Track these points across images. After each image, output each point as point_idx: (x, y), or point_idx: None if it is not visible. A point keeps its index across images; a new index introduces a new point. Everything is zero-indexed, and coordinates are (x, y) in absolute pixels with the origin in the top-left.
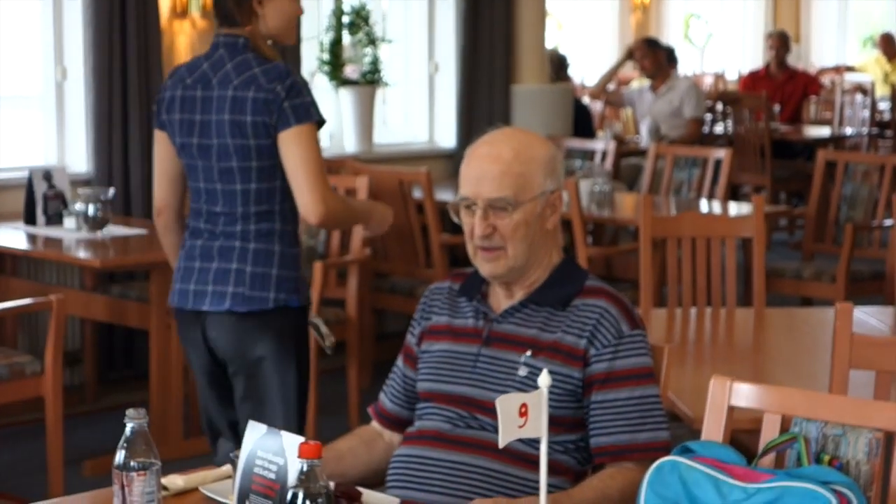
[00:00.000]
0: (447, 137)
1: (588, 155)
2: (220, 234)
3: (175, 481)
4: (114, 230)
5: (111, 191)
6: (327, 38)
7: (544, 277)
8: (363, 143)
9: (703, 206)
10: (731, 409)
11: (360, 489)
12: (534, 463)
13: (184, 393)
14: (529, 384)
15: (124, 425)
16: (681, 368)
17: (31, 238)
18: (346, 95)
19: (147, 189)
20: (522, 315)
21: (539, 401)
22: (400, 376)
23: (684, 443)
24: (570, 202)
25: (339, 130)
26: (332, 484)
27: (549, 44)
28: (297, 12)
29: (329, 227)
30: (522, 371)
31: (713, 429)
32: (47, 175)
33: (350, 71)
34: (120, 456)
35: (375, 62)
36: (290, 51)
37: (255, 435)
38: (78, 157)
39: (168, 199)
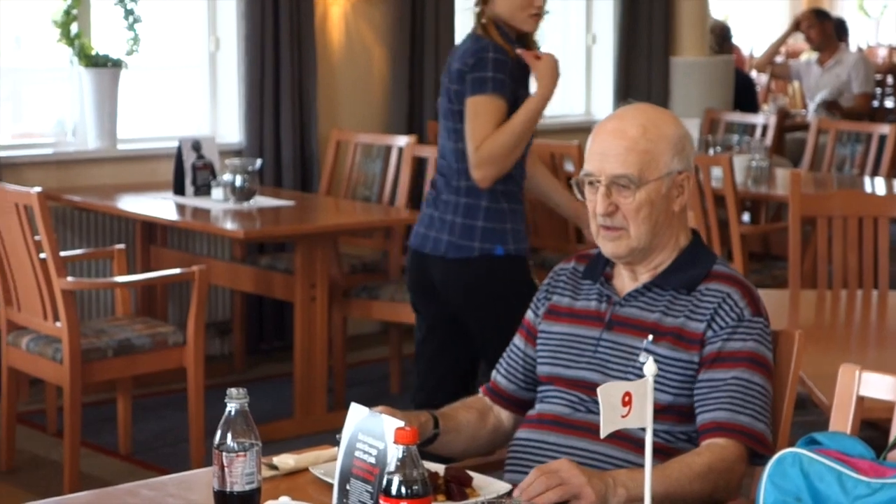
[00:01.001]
0: (604, 110)
1: (749, 129)
2: (444, 188)
3: (286, 461)
4: (261, 201)
5: (258, 162)
6: None
7: (670, 260)
8: None
9: (867, 183)
10: (861, 399)
11: (471, 473)
12: (655, 451)
13: (328, 365)
14: None
15: (267, 396)
16: (823, 353)
17: (180, 208)
18: None
19: (299, 160)
20: (646, 299)
21: (644, 390)
22: (518, 354)
23: (810, 434)
24: (724, 178)
25: None
26: (441, 468)
27: (715, 13)
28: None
29: (496, 176)
30: (643, 357)
31: (840, 419)
32: (196, 145)
33: None
34: (220, 436)
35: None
36: (444, 21)
37: (357, 417)
38: (230, 128)
39: None
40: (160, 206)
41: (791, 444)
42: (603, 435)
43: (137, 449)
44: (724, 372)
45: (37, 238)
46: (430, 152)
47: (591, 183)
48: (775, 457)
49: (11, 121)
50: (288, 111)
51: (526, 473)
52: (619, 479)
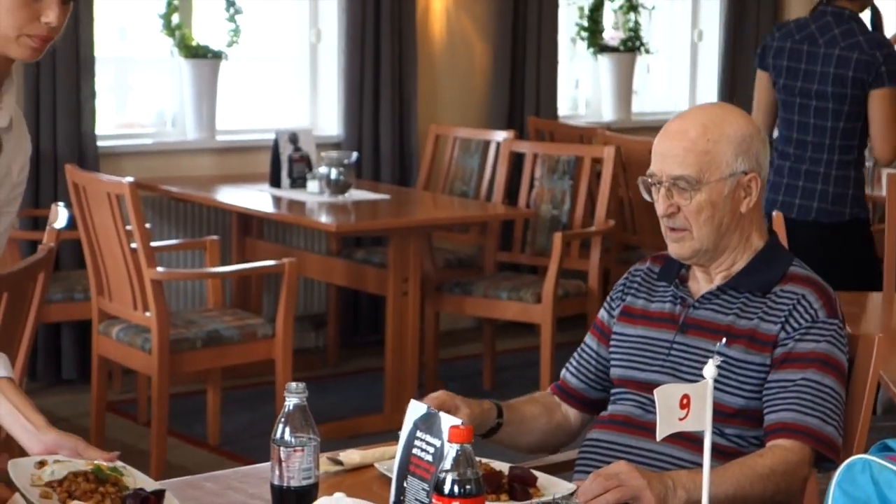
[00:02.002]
0: None
1: None
2: (808, 159)
3: (351, 456)
4: (356, 195)
5: (354, 155)
6: (587, 4)
7: (745, 262)
8: (621, 112)
9: None
10: None
11: (537, 473)
12: (725, 454)
13: (420, 361)
14: (722, 373)
15: (359, 390)
16: None
17: (276, 200)
18: (604, 62)
19: (397, 154)
20: (720, 301)
21: (704, 392)
22: (590, 353)
23: (884, 440)
24: None
25: (596, 98)
26: (506, 466)
27: None
28: None
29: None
30: (716, 360)
31: None
32: (293, 137)
33: (609, 37)
34: (278, 430)
35: (636, 29)
36: (548, 16)
37: (416, 413)
38: (329, 121)
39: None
40: (256, 198)
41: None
42: (659, 438)
43: (225, 440)
44: (794, 373)
45: (128, 228)
46: (527, 148)
47: (654, 184)
48: (845, 463)
49: (115, 111)
50: (387, 105)
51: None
52: (679, 480)
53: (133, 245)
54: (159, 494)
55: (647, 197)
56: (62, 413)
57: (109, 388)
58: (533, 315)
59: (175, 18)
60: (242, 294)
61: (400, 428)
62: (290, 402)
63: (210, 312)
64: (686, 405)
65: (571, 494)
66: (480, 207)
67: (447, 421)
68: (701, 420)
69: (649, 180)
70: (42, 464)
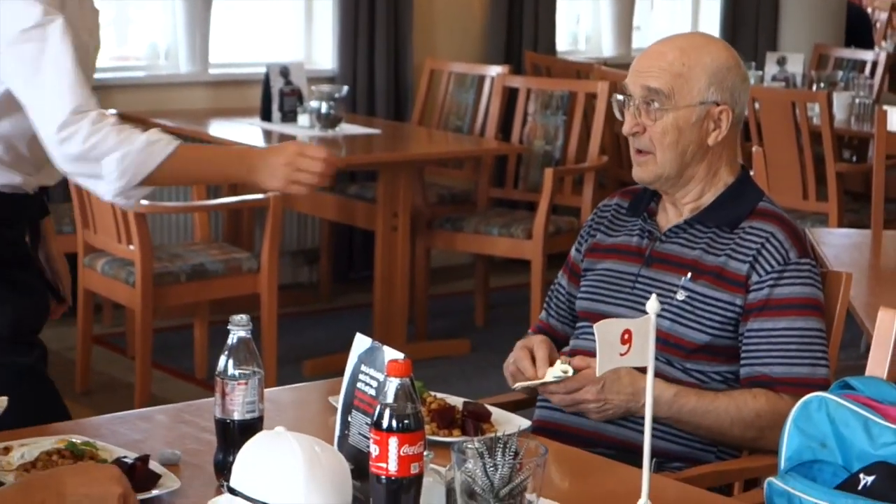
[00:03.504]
0: None
1: (859, 66)
2: None
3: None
4: (347, 129)
5: (345, 89)
6: None
7: (714, 196)
8: (620, 47)
9: None
10: None
11: (491, 408)
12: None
13: (409, 296)
14: (686, 308)
15: (350, 325)
16: (894, 295)
17: (266, 134)
18: None
19: (392, 88)
20: (687, 235)
21: (646, 328)
22: (562, 292)
23: (844, 378)
24: (821, 114)
25: (596, 33)
26: (460, 402)
27: None
28: None
29: None
30: (680, 295)
31: (877, 364)
32: (284, 71)
33: None
34: (221, 363)
35: None
36: None
37: (360, 348)
38: (324, 54)
39: None
40: (247, 132)
41: None
42: (599, 374)
43: (212, 374)
44: (775, 321)
45: None
46: (521, 83)
47: (626, 102)
48: (801, 401)
49: (116, 44)
50: (382, 38)
51: (557, 410)
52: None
53: None
54: (144, 460)
55: (619, 115)
56: (51, 346)
57: (99, 322)
58: (524, 251)
59: None
60: (233, 229)
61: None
62: (235, 334)
63: (196, 246)
64: (628, 340)
65: (520, 432)
66: (473, 143)
67: (389, 355)
68: (643, 356)
69: (621, 98)
70: (7, 450)
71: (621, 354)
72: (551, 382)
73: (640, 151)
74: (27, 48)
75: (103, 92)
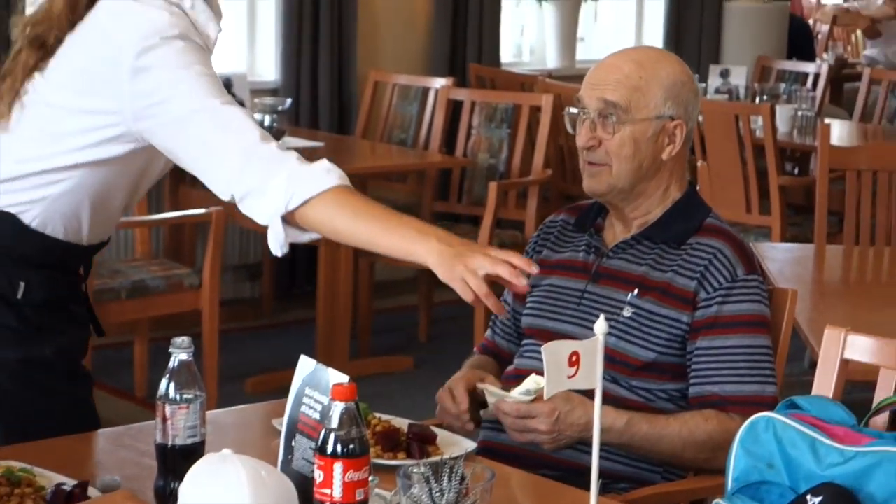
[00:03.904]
0: None
1: (801, 78)
2: None
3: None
4: (291, 142)
5: (288, 101)
6: None
7: (661, 212)
8: (565, 59)
9: None
10: (846, 362)
11: (436, 430)
12: (635, 410)
13: (352, 312)
14: (633, 325)
15: (293, 342)
16: (840, 310)
17: None
18: (549, 9)
19: (336, 101)
20: (634, 251)
21: (594, 349)
22: (509, 310)
23: (791, 397)
24: (764, 127)
25: (540, 45)
26: (406, 424)
27: None
28: None
29: None
30: (627, 311)
31: (824, 383)
32: (227, 83)
33: None
34: (163, 387)
35: None
36: None
37: (305, 371)
38: (267, 66)
39: None
40: None
41: None
42: (547, 397)
43: (152, 393)
44: (723, 339)
45: None
46: (465, 95)
47: (580, 116)
48: (748, 421)
49: None
50: (326, 50)
51: (502, 431)
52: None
53: None
54: (83, 487)
55: (570, 129)
56: None
57: None
58: None
59: None
60: (175, 244)
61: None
62: (176, 357)
63: (137, 262)
64: (575, 362)
65: (466, 455)
66: (417, 156)
67: (334, 378)
68: (591, 378)
69: (574, 111)
70: None
71: (569, 377)
72: (521, 400)
73: (593, 163)
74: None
75: None
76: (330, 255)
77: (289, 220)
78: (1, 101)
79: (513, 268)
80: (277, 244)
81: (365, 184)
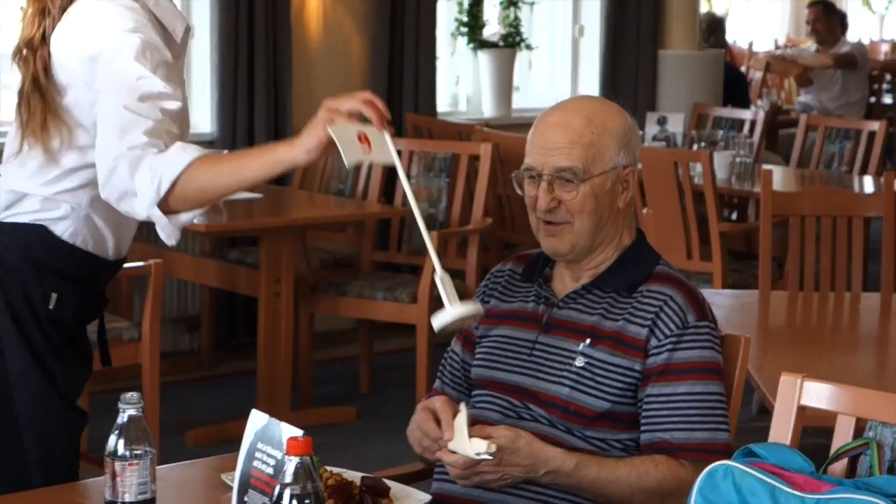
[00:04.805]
0: None
1: (737, 125)
2: None
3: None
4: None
5: (224, 153)
6: None
7: (612, 260)
8: (501, 108)
9: (855, 181)
10: (802, 408)
11: (389, 483)
12: (588, 453)
13: (293, 362)
14: (586, 375)
15: (233, 394)
16: (787, 356)
17: None
18: (484, 58)
19: None
20: (585, 301)
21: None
22: (458, 361)
23: (748, 445)
24: (704, 174)
25: (476, 94)
26: (358, 476)
27: (715, 6)
28: None
29: None
30: (579, 361)
31: (781, 430)
32: None
33: (490, 33)
34: (111, 443)
35: (516, 24)
36: (426, 11)
37: (257, 425)
38: (202, 118)
39: None
40: None
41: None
42: (349, 166)
43: (93, 447)
44: (674, 386)
45: None
46: (403, 145)
47: (532, 177)
48: (706, 469)
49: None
50: (262, 102)
51: (453, 482)
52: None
53: None
54: None
55: (519, 191)
56: None
57: None
58: (409, 316)
59: None
60: (112, 297)
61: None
62: (125, 413)
63: None
64: (365, 141)
65: None
66: (356, 206)
67: (287, 432)
68: (385, 156)
69: (527, 174)
70: None
71: (364, 152)
72: (482, 461)
73: (552, 223)
74: None
75: None
76: (269, 306)
77: (165, 207)
78: (34, 119)
79: (374, 106)
80: (166, 233)
81: (304, 234)
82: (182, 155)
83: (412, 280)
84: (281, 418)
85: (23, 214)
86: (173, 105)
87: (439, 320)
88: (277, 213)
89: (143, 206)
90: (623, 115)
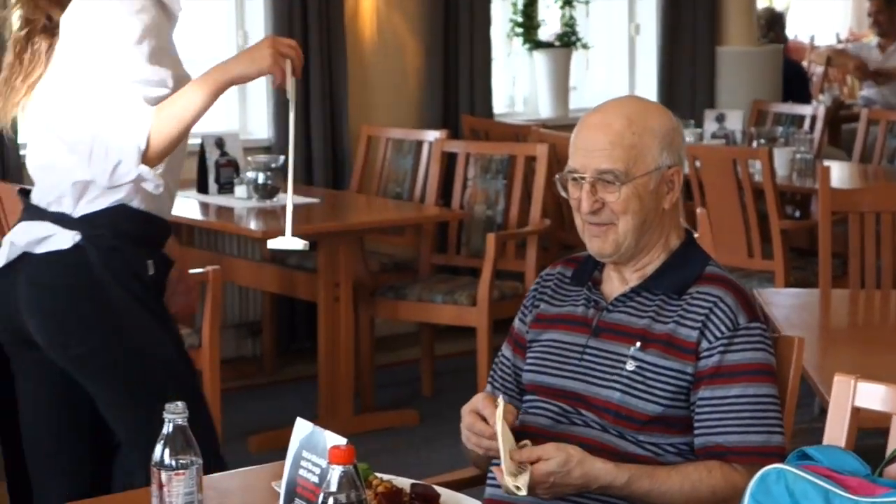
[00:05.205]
0: None
1: (798, 121)
2: None
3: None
4: (286, 199)
5: (282, 158)
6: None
7: (660, 262)
8: (558, 108)
9: None
10: (857, 409)
11: (440, 489)
12: (641, 464)
13: (354, 367)
14: (637, 379)
15: (295, 399)
16: (847, 355)
17: (203, 207)
18: (540, 58)
19: (330, 156)
20: (635, 304)
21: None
22: (509, 365)
23: (802, 448)
24: (763, 171)
25: (532, 95)
26: (408, 483)
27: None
28: None
29: None
30: (630, 365)
31: (835, 432)
32: (219, 142)
33: (544, 33)
34: (157, 453)
35: (571, 24)
36: (480, 12)
37: (301, 433)
38: (259, 124)
39: None
40: (183, 205)
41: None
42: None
43: None
44: (727, 388)
45: None
46: (459, 147)
47: (574, 179)
48: (759, 474)
49: None
50: (318, 106)
51: None
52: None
53: None
54: None
55: (563, 193)
56: None
57: None
58: (468, 318)
59: None
60: None
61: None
62: (171, 422)
63: None
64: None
65: None
66: (413, 209)
67: (331, 440)
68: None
69: (570, 176)
70: None
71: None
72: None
73: (597, 224)
74: None
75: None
76: (329, 310)
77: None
78: None
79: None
80: (154, 185)
81: (362, 238)
82: (146, 111)
83: (471, 282)
84: (343, 423)
85: (98, 200)
86: (160, 92)
87: (273, 243)
88: (335, 217)
89: (131, 168)
90: (666, 114)
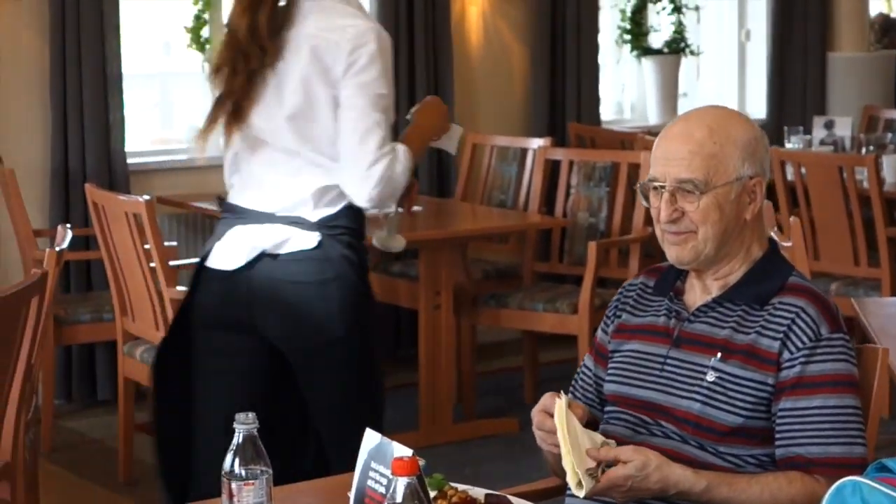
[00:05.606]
0: (758, 108)
1: None
2: None
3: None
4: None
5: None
6: (629, 6)
7: (742, 272)
8: (666, 115)
9: None
10: None
11: (515, 500)
12: (719, 472)
13: (456, 374)
14: (717, 390)
15: (397, 406)
16: None
17: None
18: (648, 65)
19: (435, 164)
20: (716, 314)
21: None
22: (591, 376)
23: (880, 459)
24: (869, 178)
25: (641, 102)
26: (482, 493)
27: (880, 6)
28: None
29: None
30: (711, 376)
31: None
32: None
33: (656, 40)
34: (228, 462)
35: (681, 30)
36: (587, 19)
37: (370, 444)
38: None
39: None
40: None
41: None
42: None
43: None
44: (808, 399)
45: (147, 247)
46: (562, 155)
47: (655, 188)
48: (834, 486)
49: (161, 126)
50: None
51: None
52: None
53: (152, 264)
54: None
55: (644, 203)
56: (96, 434)
57: (141, 410)
58: (569, 326)
59: (205, 32)
60: None
61: (439, 444)
62: (241, 432)
63: None
64: None
65: None
66: (517, 217)
67: (398, 451)
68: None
69: (651, 185)
70: None
71: None
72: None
73: (677, 233)
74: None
75: (144, 175)
76: (429, 318)
77: None
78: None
79: None
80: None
81: (465, 246)
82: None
83: (573, 290)
84: (443, 430)
85: (333, 203)
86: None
87: (376, 238)
88: (439, 225)
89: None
90: (749, 124)
